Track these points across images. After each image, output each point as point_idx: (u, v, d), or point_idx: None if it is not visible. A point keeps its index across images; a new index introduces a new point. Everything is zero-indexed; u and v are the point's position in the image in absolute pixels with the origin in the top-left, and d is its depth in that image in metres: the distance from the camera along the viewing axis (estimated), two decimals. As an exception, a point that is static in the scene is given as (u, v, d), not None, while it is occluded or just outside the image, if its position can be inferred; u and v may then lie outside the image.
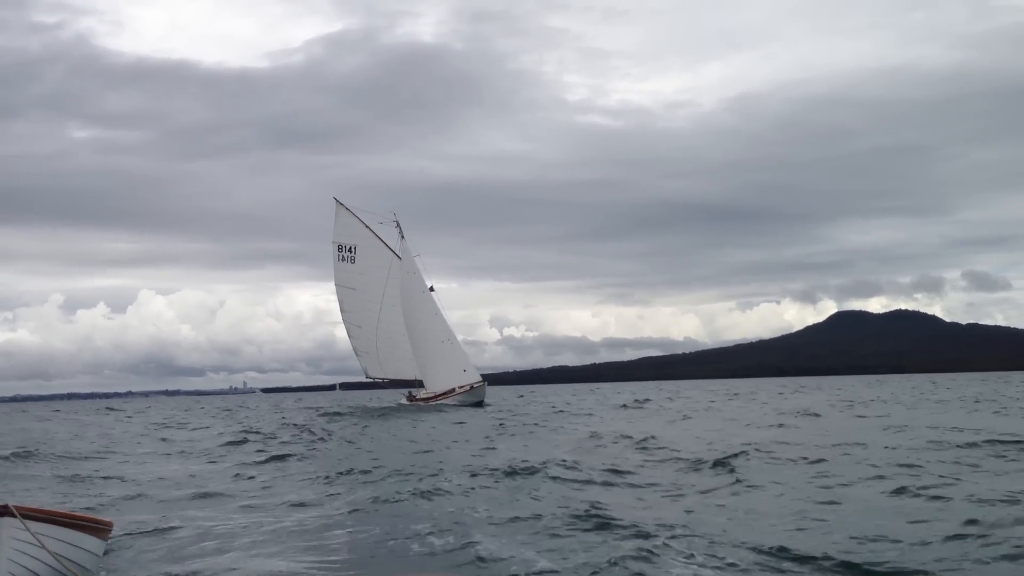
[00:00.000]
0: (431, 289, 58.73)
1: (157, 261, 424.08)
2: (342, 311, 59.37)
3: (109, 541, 9.49)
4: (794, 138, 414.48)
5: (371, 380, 62.87)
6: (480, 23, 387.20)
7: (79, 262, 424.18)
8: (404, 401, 61.75)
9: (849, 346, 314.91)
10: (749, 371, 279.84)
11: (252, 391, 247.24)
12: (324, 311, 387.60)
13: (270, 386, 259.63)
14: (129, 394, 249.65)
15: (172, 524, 12.36)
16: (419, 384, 60.80)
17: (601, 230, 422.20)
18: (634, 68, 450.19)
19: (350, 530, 11.60)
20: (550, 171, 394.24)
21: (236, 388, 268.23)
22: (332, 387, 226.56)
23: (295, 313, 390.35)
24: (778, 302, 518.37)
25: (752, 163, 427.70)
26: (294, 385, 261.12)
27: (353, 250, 58.33)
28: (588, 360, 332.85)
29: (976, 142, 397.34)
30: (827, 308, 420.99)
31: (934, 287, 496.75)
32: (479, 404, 56.60)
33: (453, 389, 58.93)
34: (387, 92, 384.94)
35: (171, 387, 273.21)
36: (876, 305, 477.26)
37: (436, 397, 58.84)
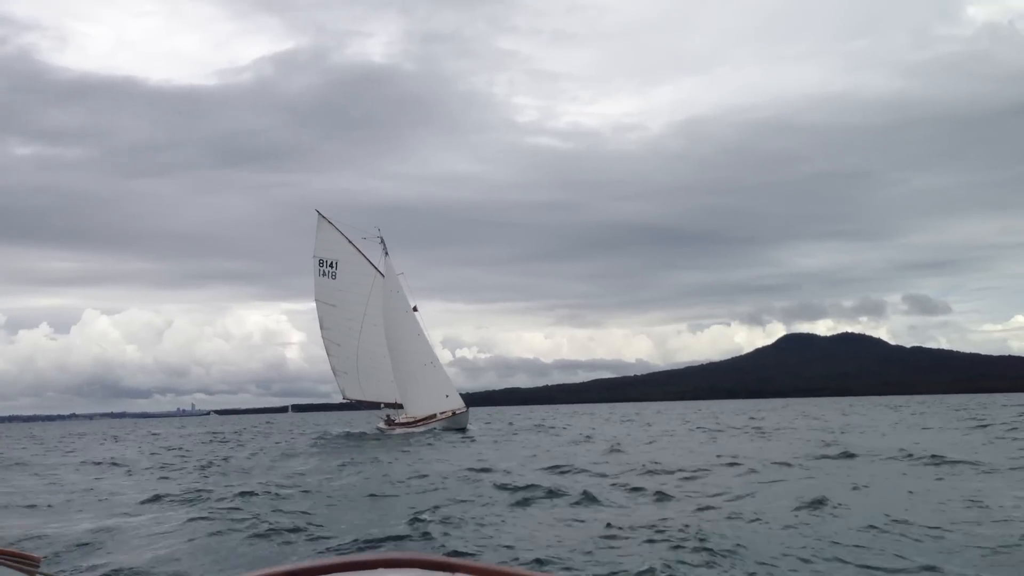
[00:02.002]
0: (415, 309, 55.92)
1: (102, 280, 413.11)
2: (322, 328, 56.32)
3: None
4: (741, 162, 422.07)
5: (347, 401, 59.67)
6: (431, 44, 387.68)
7: (21, 281, 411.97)
8: (381, 425, 58.69)
9: (797, 368, 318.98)
10: (700, 393, 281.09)
11: (205, 413, 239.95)
12: (274, 332, 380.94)
13: (218, 408, 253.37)
14: (73, 416, 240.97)
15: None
16: (399, 407, 57.85)
17: (553, 252, 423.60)
18: (583, 91, 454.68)
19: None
20: (501, 192, 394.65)
21: (184, 410, 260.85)
22: (284, 409, 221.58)
23: (244, 334, 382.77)
24: (728, 324, 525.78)
25: (700, 186, 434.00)
26: (244, 407, 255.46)
27: (335, 265, 55.40)
28: (541, 382, 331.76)
29: (917, 168, 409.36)
30: (776, 331, 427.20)
31: (876, 310, 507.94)
32: (461, 431, 53.97)
33: (434, 415, 56.14)
34: (337, 112, 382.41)
35: (116, 409, 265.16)
36: (823, 328, 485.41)
37: (416, 422, 55.99)
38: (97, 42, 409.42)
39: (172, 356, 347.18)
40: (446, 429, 54.04)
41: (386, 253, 55.40)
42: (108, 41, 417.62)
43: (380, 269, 55.49)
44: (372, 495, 17.01)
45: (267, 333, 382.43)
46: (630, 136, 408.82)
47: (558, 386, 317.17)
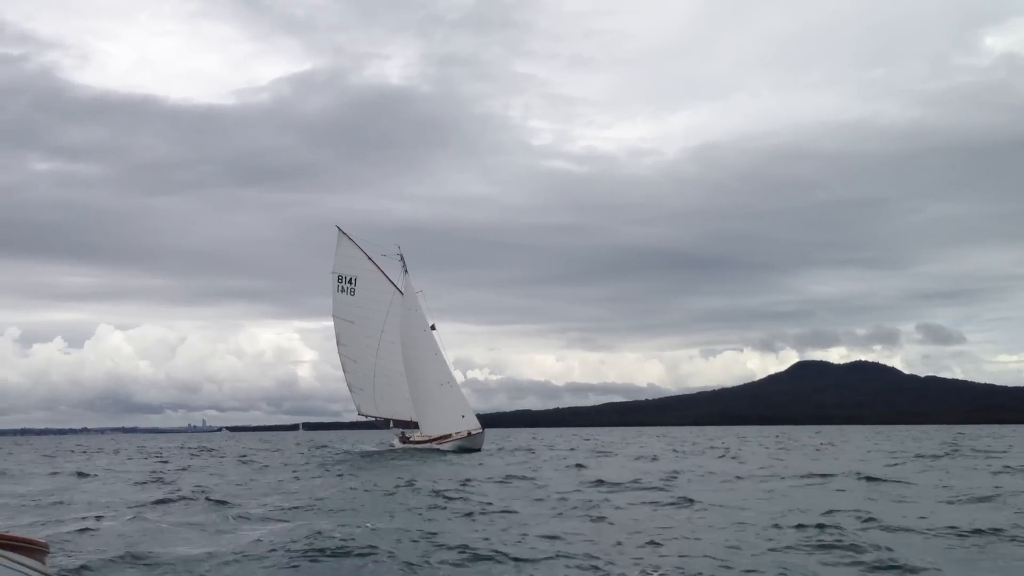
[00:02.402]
0: (432, 328, 55.68)
1: (116, 296, 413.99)
2: (339, 344, 56.21)
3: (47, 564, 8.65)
4: (756, 188, 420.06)
5: (363, 418, 59.47)
6: (448, 67, 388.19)
7: (36, 295, 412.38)
8: (396, 443, 58.49)
9: (810, 396, 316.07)
10: (711, 419, 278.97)
11: (217, 429, 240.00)
12: (286, 350, 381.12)
13: (229, 425, 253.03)
14: (84, 430, 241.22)
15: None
16: (414, 426, 57.62)
17: (566, 275, 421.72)
18: (599, 115, 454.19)
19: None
20: (515, 215, 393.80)
21: (195, 426, 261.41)
22: (295, 427, 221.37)
23: (257, 351, 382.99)
24: (741, 350, 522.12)
25: (715, 212, 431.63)
26: (254, 424, 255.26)
27: (353, 281, 55.39)
28: (551, 404, 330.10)
29: (933, 197, 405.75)
30: (789, 357, 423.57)
31: (890, 339, 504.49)
32: (475, 451, 53.65)
33: (450, 434, 55.85)
34: (353, 132, 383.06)
35: (128, 424, 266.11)
36: (836, 355, 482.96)
37: (431, 441, 55.75)
38: (118, 60, 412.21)
39: (184, 372, 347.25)
40: (460, 450, 53.73)
41: (405, 271, 55.36)
42: (129, 60, 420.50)
43: (399, 287, 55.45)
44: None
45: (279, 351, 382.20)
46: (645, 161, 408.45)
47: (569, 409, 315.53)
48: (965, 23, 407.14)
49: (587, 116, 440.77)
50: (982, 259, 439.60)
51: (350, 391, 57.14)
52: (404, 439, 58.11)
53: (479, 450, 54.58)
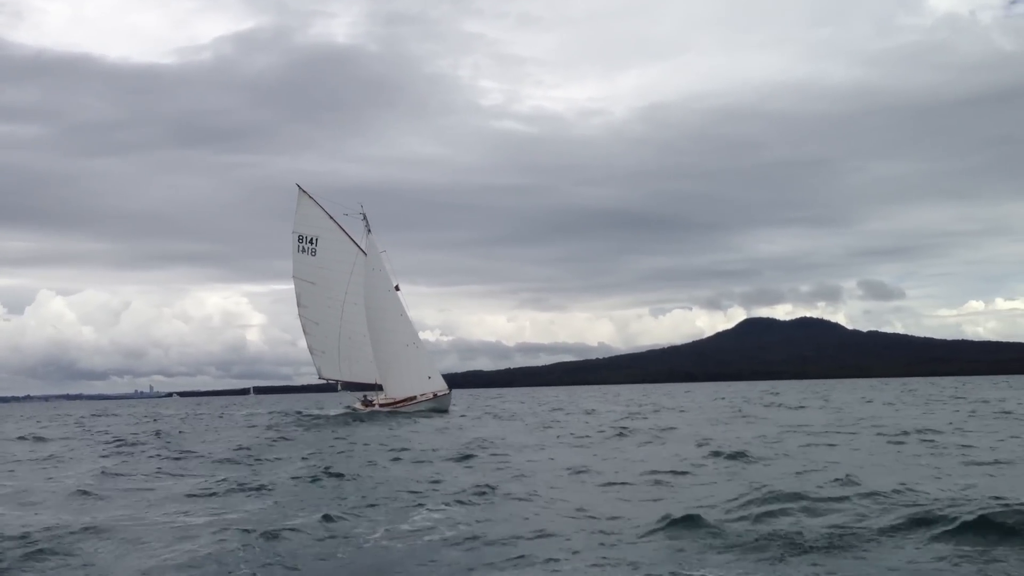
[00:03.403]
0: (397, 288, 54.09)
1: (57, 261, 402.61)
2: (299, 305, 54.38)
3: None
4: (704, 148, 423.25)
5: (324, 381, 57.81)
6: (395, 26, 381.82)
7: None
8: (358, 406, 57.05)
9: (757, 352, 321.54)
10: (660, 376, 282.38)
11: (167, 395, 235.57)
12: (234, 314, 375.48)
13: (178, 390, 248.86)
14: (28, 398, 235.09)
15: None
16: (377, 388, 56.21)
17: (517, 235, 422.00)
18: (548, 75, 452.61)
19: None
20: (466, 175, 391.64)
21: (142, 392, 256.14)
22: (246, 391, 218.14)
23: (204, 316, 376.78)
24: (690, 308, 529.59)
25: (663, 171, 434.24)
26: (203, 389, 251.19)
27: (314, 241, 53.42)
28: (502, 365, 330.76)
29: (875, 156, 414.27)
30: (737, 315, 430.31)
31: (832, 295, 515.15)
32: (443, 413, 52.57)
33: (415, 397, 54.59)
34: (299, 92, 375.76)
35: (72, 391, 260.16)
36: (782, 312, 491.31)
37: (396, 404, 54.45)
38: (53, 18, 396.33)
39: (129, 338, 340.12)
40: (428, 411, 52.58)
41: (368, 230, 53.48)
42: (64, 17, 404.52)
43: (362, 247, 53.64)
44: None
45: (227, 315, 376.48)
46: (594, 121, 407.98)
47: (520, 369, 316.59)
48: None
49: (536, 76, 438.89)
50: (922, 217, 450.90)
51: (311, 354, 55.47)
52: (367, 402, 56.70)
53: (446, 411, 53.56)
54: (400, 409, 53.36)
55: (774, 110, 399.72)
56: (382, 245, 54.20)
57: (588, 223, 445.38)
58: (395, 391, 55.24)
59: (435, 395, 54.99)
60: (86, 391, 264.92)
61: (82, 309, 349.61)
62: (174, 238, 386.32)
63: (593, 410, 52.75)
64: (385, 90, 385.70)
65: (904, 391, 76.26)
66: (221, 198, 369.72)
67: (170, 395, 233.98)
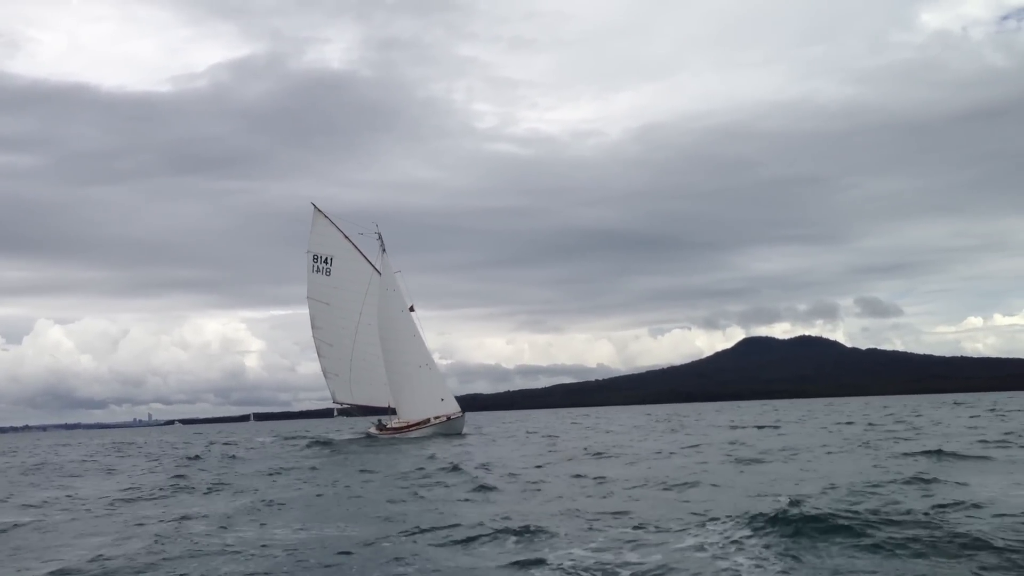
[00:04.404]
0: (411, 309, 53.22)
1: (55, 289, 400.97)
2: (313, 327, 53.45)
3: None
4: (698, 168, 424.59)
5: (338, 406, 56.76)
6: (389, 51, 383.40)
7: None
8: (372, 431, 55.98)
9: (756, 371, 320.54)
10: (660, 397, 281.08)
11: (168, 423, 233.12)
12: (233, 340, 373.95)
13: (177, 417, 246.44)
14: (26, 428, 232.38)
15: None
16: (391, 412, 55.18)
17: (514, 257, 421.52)
18: (542, 97, 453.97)
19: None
20: (461, 198, 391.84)
21: (141, 420, 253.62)
22: (246, 417, 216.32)
23: (202, 343, 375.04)
24: (689, 328, 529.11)
25: (659, 192, 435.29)
26: (202, 416, 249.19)
27: (329, 261, 52.62)
28: (502, 387, 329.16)
29: (870, 173, 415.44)
30: (736, 334, 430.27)
31: (830, 313, 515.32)
32: (457, 436, 51.56)
33: (428, 419, 53.53)
34: (295, 118, 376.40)
35: (71, 420, 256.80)
36: (779, 331, 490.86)
37: (409, 427, 53.37)
38: (49, 48, 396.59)
39: (128, 366, 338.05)
40: (441, 435, 51.56)
41: (383, 250, 52.69)
42: (60, 47, 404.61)
43: (377, 267, 52.80)
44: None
45: (225, 341, 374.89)
46: (589, 142, 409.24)
47: (519, 391, 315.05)
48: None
49: (530, 98, 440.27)
50: (919, 233, 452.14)
51: (325, 377, 54.42)
52: (381, 427, 55.64)
53: (460, 435, 52.57)
54: (412, 433, 52.36)
55: (768, 129, 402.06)
56: (397, 265, 53.51)
57: (585, 244, 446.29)
58: (408, 414, 54.20)
59: (448, 418, 54.01)
60: (85, 420, 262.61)
61: (80, 338, 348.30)
62: (171, 265, 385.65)
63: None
64: (380, 115, 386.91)
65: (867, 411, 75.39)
66: (218, 225, 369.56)
67: (171, 423, 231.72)
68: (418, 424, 53.35)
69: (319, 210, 52.71)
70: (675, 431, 47.34)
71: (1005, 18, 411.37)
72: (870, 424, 44.71)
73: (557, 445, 36.81)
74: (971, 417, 48.30)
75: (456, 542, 12.35)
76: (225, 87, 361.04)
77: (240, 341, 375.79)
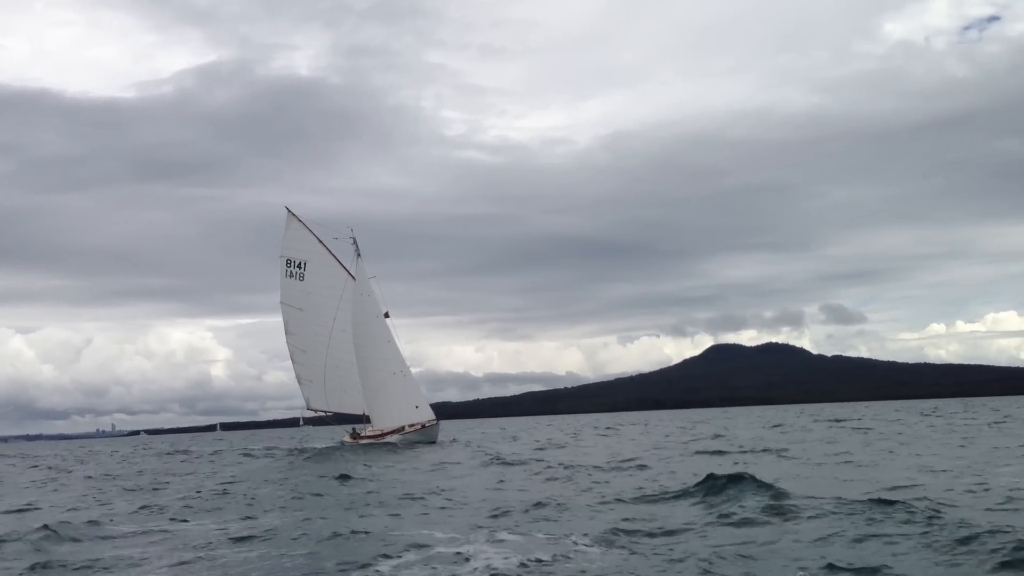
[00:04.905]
0: (386, 315, 52.45)
1: (16, 298, 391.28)
2: (287, 333, 52.48)
3: None
4: (667, 176, 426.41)
5: (313, 413, 55.71)
6: (357, 57, 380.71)
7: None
8: (347, 439, 55.03)
9: (724, 378, 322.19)
10: (629, 404, 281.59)
11: (134, 433, 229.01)
12: (199, 349, 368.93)
13: (141, 428, 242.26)
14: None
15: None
16: (365, 420, 54.29)
17: (483, 265, 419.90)
18: (511, 105, 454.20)
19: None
20: (431, 206, 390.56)
21: (104, 431, 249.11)
22: (212, 427, 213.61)
23: (167, 352, 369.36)
24: (657, 336, 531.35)
25: (628, 200, 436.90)
26: (167, 426, 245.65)
27: (303, 266, 51.73)
28: (471, 395, 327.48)
29: (835, 182, 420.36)
30: (704, 341, 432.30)
31: (795, 320, 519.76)
32: (431, 444, 50.85)
33: (403, 427, 52.76)
34: (262, 125, 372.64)
35: (32, 431, 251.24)
36: (746, 338, 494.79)
37: (384, 435, 52.53)
38: (12, 53, 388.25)
39: (91, 376, 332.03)
40: (415, 443, 50.81)
41: (358, 255, 51.95)
42: (24, 52, 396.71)
43: (351, 272, 51.98)
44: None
45: (191, 350, 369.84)
46: (558, 150, 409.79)
47: (488, 400, 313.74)
48: (867, 9, 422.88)
49: (499, 106, 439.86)
50: (883, 241, 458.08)
51: (299, 384, 53.46)
52: (355, 435, 54.72)
53: (434, 443, 51.87)
54: (387, 440, 51.53)
55: (736, 137, 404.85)
56: (374, 266, 52.79)
57: (554, 252, 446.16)
58: (382, 421, 53.40)
59: (423, 425, 53.28)
60: (46, 431, 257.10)
61: (41, 347, 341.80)
62: (136, 273, 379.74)
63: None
64: (348, 122, 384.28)
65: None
66: (184, 232, 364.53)
67: (137, 433, 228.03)
68: (392, 432, 52.56)
69: (293, 214, 51.87)
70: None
71: (967, 28, 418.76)
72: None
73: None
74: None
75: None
76: (191, 93, 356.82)
77: (206, 350, 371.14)
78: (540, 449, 39.32)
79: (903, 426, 46.76)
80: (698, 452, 31.63)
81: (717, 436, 44.62)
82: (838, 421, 58.37)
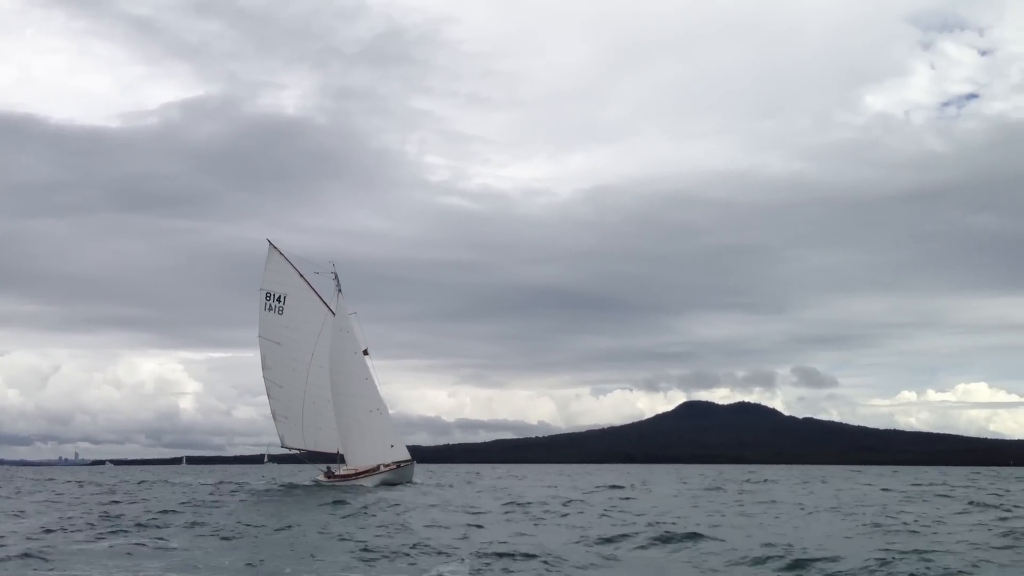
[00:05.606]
0: (365, 352, 52.00)
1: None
2: (264, 367, 51.76)
3: None
4: (647, 232, 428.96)
5: (288, 451, 54.78)
6: (344, 100, 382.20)
7: None
8: (321, 478, 54.13)
9: (696, 435, 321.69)
10: (599, 457, 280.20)
11: (99, 462, 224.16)
12: (169, 381, 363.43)
13: (106, 457, 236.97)
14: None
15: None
16: (340, 459, 53.47)
17: (459, 311, 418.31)
18: (495, 154, 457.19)
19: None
20: (410, 250, 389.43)
21: (67, 459, 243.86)
22: (178, 460, 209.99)
23: (136, 382, 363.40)
24: (631, 389, 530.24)
25: (607, 253, 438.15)
26: (132, 457, 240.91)
27: (282, 300, 51.27)
28: (442, 440, 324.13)
29: (812, 246, 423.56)
30: (677, 397, 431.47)
31: (767, 381, 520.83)
32: (407, 484, 50.19)
33: (378, 467, 52.01)
34: (245, 161, 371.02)
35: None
36: (719, 396, 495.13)
37: (358, 475, 51.72)
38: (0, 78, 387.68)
39: (56, 403, 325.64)
40: (389, 483, 50.08)
41: (339, 290, 51.62)
42: (11, 78, 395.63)
43: (331, 307, 51.58)
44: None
45: (161, 382, 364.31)
46: (539, 200, 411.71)
47: (459, 445, 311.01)
48: (848, 80, 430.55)
49: (483, 154, 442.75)
50: (857, 307, 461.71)
51: (274, 420, 52.62)
52: (329, 474, 53.86)
53: (409, 482, 51.19)
54: (361, 481, 50.72)
55: (716, 198, 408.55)
56: (352, 307, 52.34)
57: (531, 301, 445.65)
58: (356, 460, 52.59)
59: (398, 465, 52.61)
60: (7, 456, 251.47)
61: (8, 372, 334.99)
62: (110, 302, 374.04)
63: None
64: (332, 162, 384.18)
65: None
66: (160, 263, 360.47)
67: (102, 463, 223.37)
68: (367, 472, 51.76)
69: (275, 247, 51.58)
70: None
71: (946, 104, 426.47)
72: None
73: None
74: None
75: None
76: (176, 126, 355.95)
77: (176, 382, 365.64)
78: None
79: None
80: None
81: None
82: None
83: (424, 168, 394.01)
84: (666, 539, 19.79)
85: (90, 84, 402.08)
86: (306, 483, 53.09)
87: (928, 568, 15.22)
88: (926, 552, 16.99)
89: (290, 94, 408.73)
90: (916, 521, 24.79)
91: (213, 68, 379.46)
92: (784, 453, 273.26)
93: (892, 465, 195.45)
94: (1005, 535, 20.55)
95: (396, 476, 51.68)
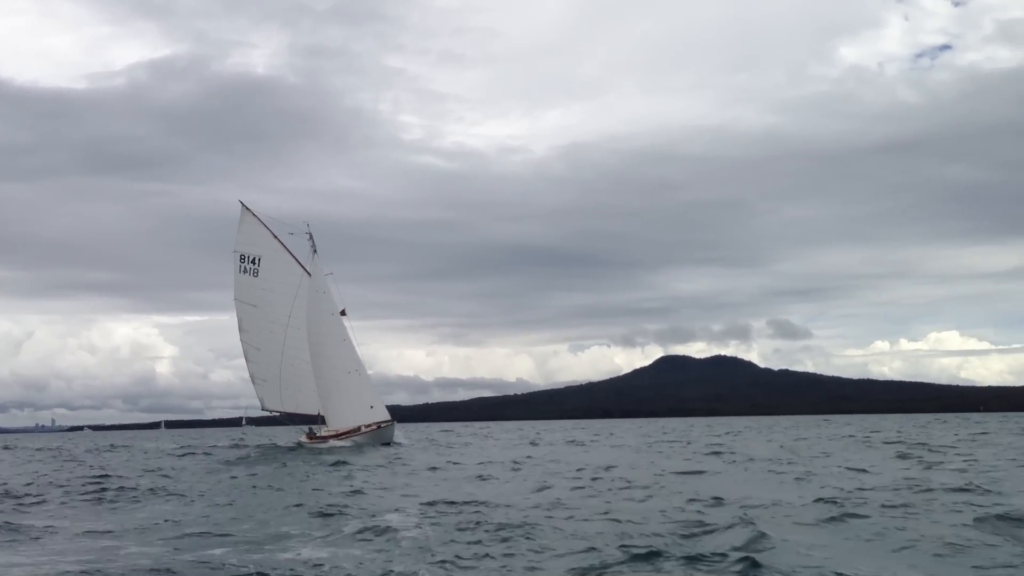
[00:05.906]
0: (343, 313, 51.59)
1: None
2: (240, 330, 51.27)
3: None
4: (623, 188, 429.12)
5: (267, 413, 54.51)
6: (316, 58, 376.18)
7: None
8: (303, 439, 54.01)
9: (672, 389, 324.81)
10: (577, 413, 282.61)
11: (77, 428, 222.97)
12: (144, 345, 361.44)
13: (83, 423, 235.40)
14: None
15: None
16: (321, 420, 53.33)
17: (437, 270, 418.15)
18: (469, 112, 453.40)
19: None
20: (385, 209, 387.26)
21: (44, 426, 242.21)
22: (156, 425, 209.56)
23: (111, 347, 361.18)
24: (608, 345, 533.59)
25: (583, 210, 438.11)
26: (109, 423, 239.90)
27: (257, 262, 50.61)
28: (420, 399, 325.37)
29: (787, 200, 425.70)
30: (654, 352, 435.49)
31: (743, 334, 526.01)
32: (386, 445, 50.17)
33: (359, 428, 51.94)
34: (216, 122, 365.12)
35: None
36: (695, 350, 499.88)
37: (338, 435, 51.65)
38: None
39: (31, 369, 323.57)
40: (371, 444, 50.08)
41: (314, 251, 51.02)
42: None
43: (307, 268, 51.04)
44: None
45: (136, 347, 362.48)
46: (514, 158, 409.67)
47: (438, 404, 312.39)
48: (822, 33, 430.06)
49: (457, 112, 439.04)
50: (831, 259, 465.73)
51: (253, 383, 52.26)
52: (311, 435, 53.73)
53: (390, 444, 51.17)
54: (342, 442, 50.66)
55: (691, 153, 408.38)
56: (328, 267, 51.80)
57: (508, 259, 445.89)
58: (337, 422, 52.48)
59: (379, 426, 52.53)
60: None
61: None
62: (82, 267, 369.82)
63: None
64: (305, 122, 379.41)
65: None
66: (132, 227, 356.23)
67: (80, 428, 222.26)
68: (348, 433, 51.71)
69: (247, 208, 50.77)
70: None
71: (919, 56, 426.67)
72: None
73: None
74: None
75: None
76: (144, 87, 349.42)
77: (151, 346, 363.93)
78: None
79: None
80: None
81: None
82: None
83: (398, 127, 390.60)
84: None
85: (55, 45, 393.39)
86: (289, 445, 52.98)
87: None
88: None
89: (260, 53, 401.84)
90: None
91: (180, 27, 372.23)
92: (759, 405, 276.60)
93: (864, 414, 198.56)
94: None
95: (377, 437, 51.60)
